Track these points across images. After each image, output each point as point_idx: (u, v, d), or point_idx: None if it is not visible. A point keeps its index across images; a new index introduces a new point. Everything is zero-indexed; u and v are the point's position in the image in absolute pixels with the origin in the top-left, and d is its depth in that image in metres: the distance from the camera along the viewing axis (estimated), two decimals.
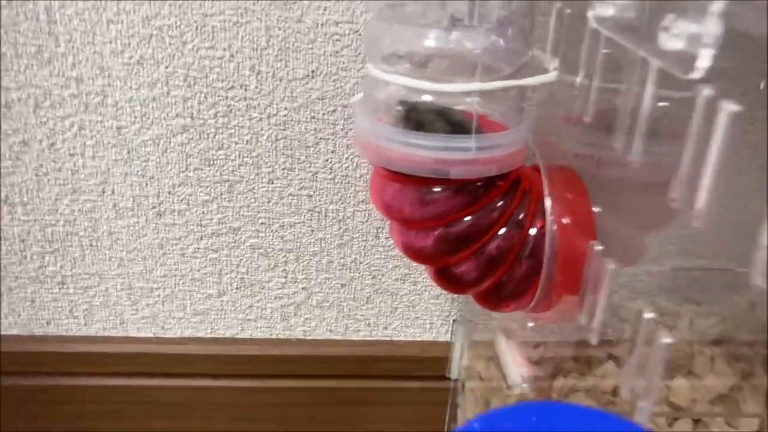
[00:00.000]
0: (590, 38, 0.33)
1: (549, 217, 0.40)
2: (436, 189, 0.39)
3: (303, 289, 0.61)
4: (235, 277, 0.59)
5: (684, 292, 0.58)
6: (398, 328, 0.63)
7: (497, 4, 0.35)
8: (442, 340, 0.64)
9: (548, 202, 0.40)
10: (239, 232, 0.58)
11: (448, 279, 0.43)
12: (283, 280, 0.60)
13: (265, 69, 0.51)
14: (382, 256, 0.60)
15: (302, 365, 0.62)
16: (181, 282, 0.59)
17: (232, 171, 0.55)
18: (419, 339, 0.64)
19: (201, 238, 0.57)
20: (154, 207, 0.56)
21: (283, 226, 0.58)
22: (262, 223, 0.57)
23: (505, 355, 0.47)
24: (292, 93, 0.53)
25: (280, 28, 0.50)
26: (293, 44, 0.51)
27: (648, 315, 0.33)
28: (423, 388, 0.64)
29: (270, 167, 0.55)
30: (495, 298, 0.43)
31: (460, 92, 0.36)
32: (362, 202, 0.57)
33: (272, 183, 0.56)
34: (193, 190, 0.55)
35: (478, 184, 0.39)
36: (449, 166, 0.37)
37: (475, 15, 0.34)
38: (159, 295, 0.60)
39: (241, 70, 0.51)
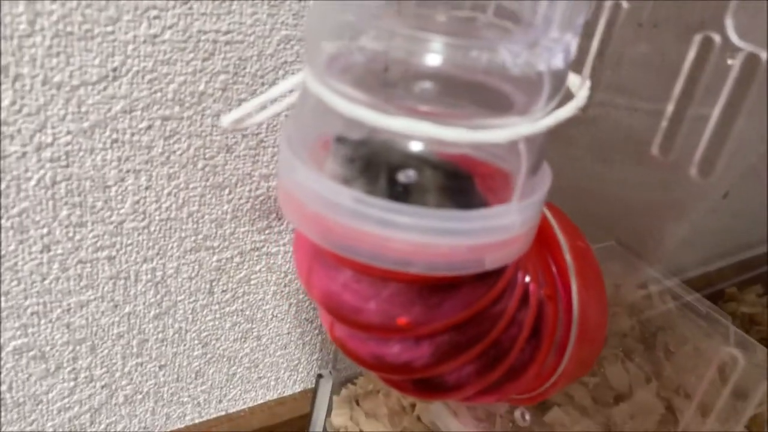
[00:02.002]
0: (718, 65, 0.22)
1: (575, 281, 0.29)
2: (448, 285, 0.26)
3: (103, 387, 0.40)
4: None
5: None
6: (236, 397, 0.47)
7: (582, 5, 0.21)
8: (289, 394, 0.50)
9: (570, 259, 0.29)
10: None
11: (433, 389, 0.30)
12: (72, 384, 0.39)
13: (30, 71, 0.29)
14: (217, 316, 0.43)
15: None
16: None
17: None
18: (262, 401, 0.49)
19: None
20: None
21: (69, 309, 0.36)
22: (32, 314, 0.35)
23: None
24: (79, 107, 0.31)
25: (54, 1, 0.28)
26: (80, 28, 0.29)
27: None
28: None
29: (44, 227, 0.33)
30: (479, 393, 0.31)
31: (506, 141, 0.23)
32: (190, 251, 0.39)
33: (48, 250, 0.34)
34: None
35: None
36: (485, 254, 0.24)
37: (558, 21, 0.21)
38: None
39: None
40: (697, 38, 0.23)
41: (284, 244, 0.43)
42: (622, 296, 0.53)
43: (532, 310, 0.29)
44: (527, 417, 0.34)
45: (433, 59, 0.23)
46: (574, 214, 0.56)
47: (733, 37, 0.21)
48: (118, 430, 0.43)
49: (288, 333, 0.47)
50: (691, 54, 0.24)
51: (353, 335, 0.28)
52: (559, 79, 0.23)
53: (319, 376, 0.47)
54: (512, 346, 0.29)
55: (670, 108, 0.25)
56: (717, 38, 0.23)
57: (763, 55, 0.21)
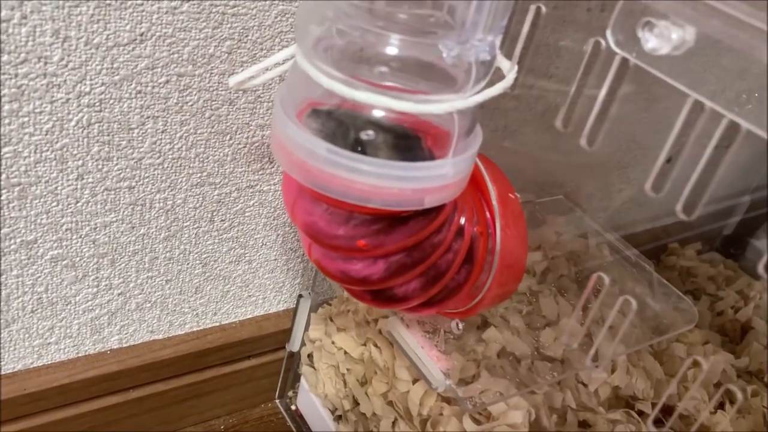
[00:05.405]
0: (605, 61, 0.30)
1: (498, 222, 0.37)
2: (398, 218, 0.34)
3: (120, 294, 0.49)
4: (30, 299, 0.45)
5: None
6: (228, 311, 0.56)
7: (504, 12, 0.29)
8: (274, 311, 0.59)
9: (496, 204, 0.37)
10: (35, 246, 0.43)
11: (385, 299, 0.38)
12: (95, 290, 0.47)
13: (76, 34, 0.37)
14: (216, 241, 0.51)
15: (120, 380, 0.51)
16: None
17: (25, 171, 0.39)
18: (250, 316, 0.57)
19: None
20: None
21: (96, 228, 0.44)
22: (66, 230, 0.43)
23: (413, 350, 0.44)
24: (112, 63, 0.39)
25: None
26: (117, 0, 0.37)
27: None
28: (258, 364, 0.59)
29: (79, 160, 0.41)
30: (423, 306, 0.40)
31: (442, 113, 0.31)
32: (196, 185, 0.47)
33: (82, 179, 0.42)
34: None
35: None
36: (425, 196, 0.32)
37: (483, 25, 0.28)
38: None
39: (39, 36, 0.36)
40: (591, 41, 0.31)
41: (274, 184, 0.50)
42: (562, 243, 0.62)
43: (465, 242, 0.38)
44: (460, 326, 0.42)
45: (391, 50, 0.30)
46: (529, 172, 0.65)
47: (612, 45, 0.29)
48: (129, 331, 0.51)
49: (275, 259, 0.55)
50: (588, 49, 0.31)
51: (326, 255, 0.37)
52: (486, 67, 0.31)
53: (300, 296, 0.55)
54: (448, 268, 0.37)
55: (572, 90, 0.33)
56: (603, 43, 0.30)
57: (631, 61, 0.29)
